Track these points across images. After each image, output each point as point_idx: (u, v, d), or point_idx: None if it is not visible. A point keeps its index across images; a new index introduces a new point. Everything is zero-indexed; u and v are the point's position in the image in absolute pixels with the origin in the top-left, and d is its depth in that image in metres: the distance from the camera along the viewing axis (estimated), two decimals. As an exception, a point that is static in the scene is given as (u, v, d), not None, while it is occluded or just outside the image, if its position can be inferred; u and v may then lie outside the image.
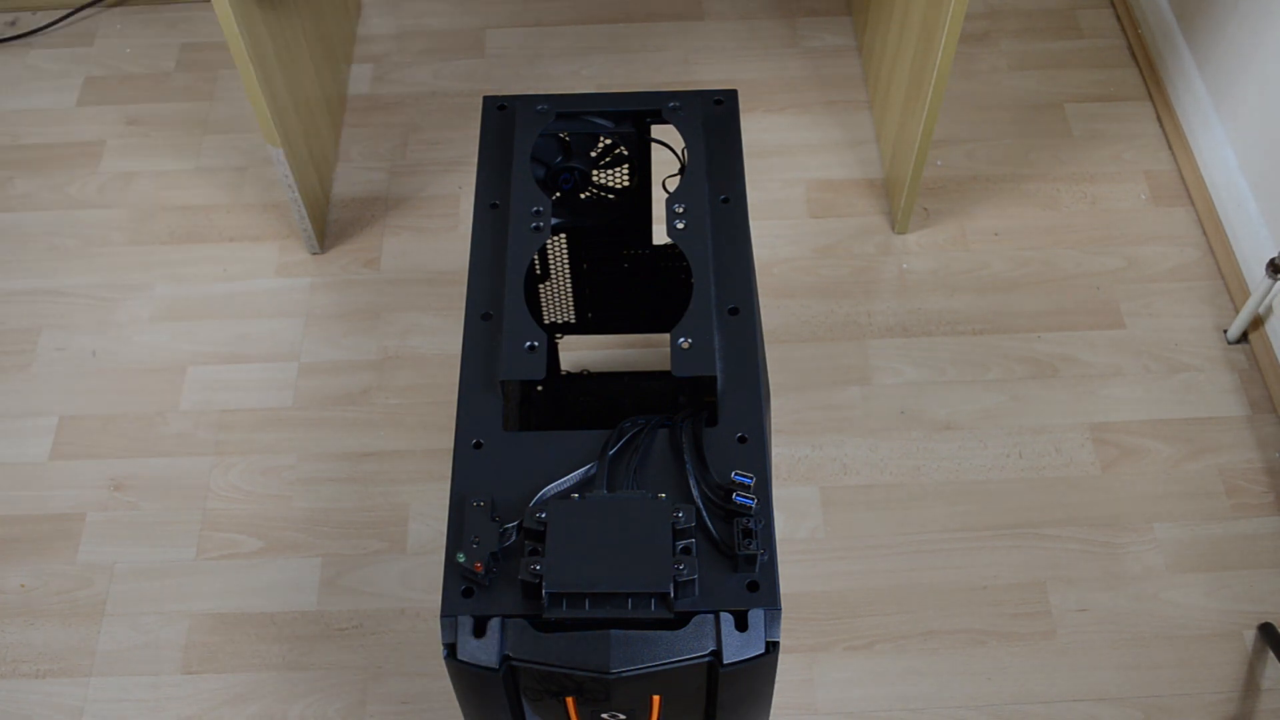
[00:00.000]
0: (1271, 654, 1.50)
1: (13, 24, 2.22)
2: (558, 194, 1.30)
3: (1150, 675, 1.50)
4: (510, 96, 1.27)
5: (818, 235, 1.90)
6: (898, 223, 1.88)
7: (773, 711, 1.38)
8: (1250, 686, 1.49)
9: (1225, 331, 1.78)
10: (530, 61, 2.16)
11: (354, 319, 1.83)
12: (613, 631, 0.93)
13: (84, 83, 2.14)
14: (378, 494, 1.66)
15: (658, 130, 1.27)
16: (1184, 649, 1.52)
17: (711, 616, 0.94)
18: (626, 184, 1.33)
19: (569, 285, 1.44)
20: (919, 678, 1.50)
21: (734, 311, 1.12)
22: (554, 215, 1.33)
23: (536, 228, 1.15)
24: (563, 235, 1.37)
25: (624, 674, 0.92)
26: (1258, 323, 1.75)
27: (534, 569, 0.93)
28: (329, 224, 1.93)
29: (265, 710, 1.49)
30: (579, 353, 1.77)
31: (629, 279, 1.43)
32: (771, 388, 1.73)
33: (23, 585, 1.59)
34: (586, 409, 1.53)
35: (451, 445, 1.65)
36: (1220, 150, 1.88)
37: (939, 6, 1.59)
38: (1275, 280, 1.65)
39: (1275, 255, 1.66)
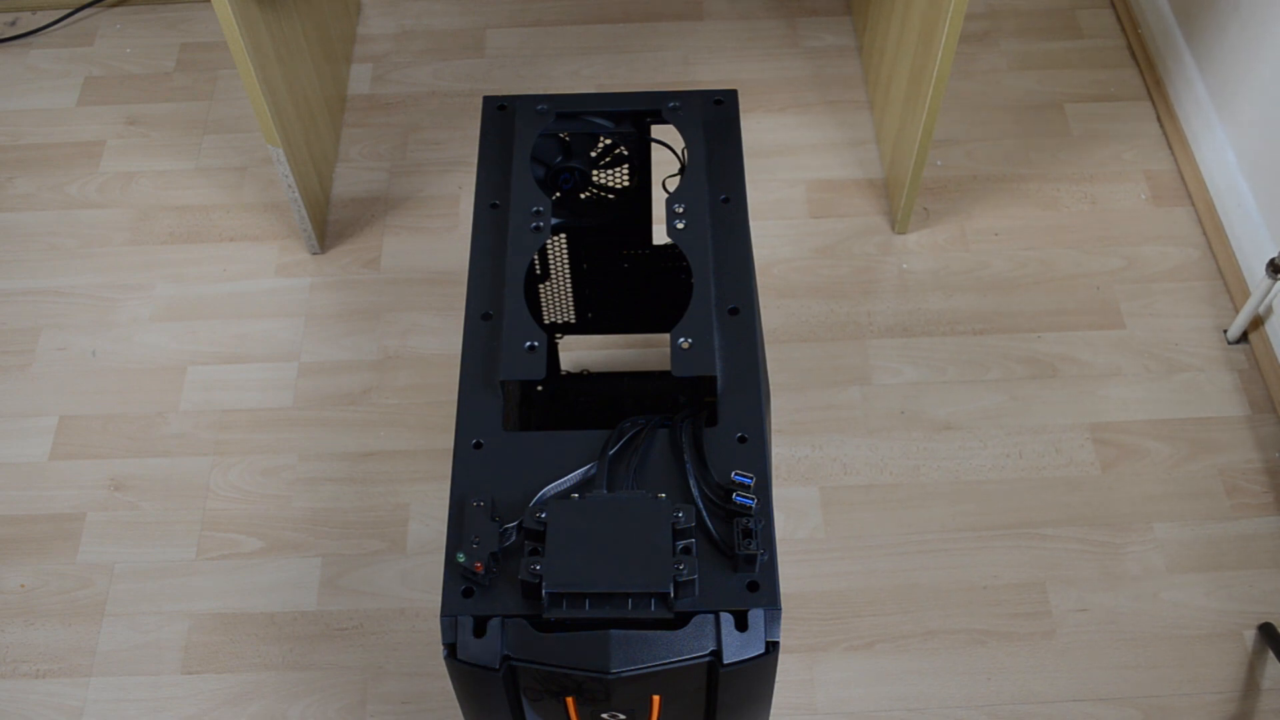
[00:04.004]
0: (1271, 654, 1.50)
1: (13, 24, 2.22)
2: (558, 194, 1.31)
3: (1150, 675, 1.50)
4: (510, 96, 1.27)
5: (818, 235, 1.90)
6: (898, 223, 1.88)
7: (773, 711, 1.38)
8: (1250, 686, 1.49)
9: (1225, 331, 1.78)
10: (530, 61, 2.16)
11: (354, 319, 1.83)
12: (613, 631, 0.93)
13: (84, 83, 2.14)
14: (378, 494, 1.66)
15: (658, 130, 1.27)
16: (1184, 649, 1.52)
17: (711, 616, 0.94)
18: (626, 184, 1.33)
19: (569, 285, 1.44)
20: (919, 678, 1.50)
21: (734, 311, 1.12)
22: (554, 215, 1.33)
23: (536, 228, 1.15)
24: (563, 235, 1.37)
25: (624, 674, 0.92)
26: (1258, 323, 1.75)
27: (534, 569, 0.93)
28: (329, 224, 1.93)
29: (265, 710, 1.49)
30: (579, 353, 1.77)
31: (629, 279, 1.43)
32: (771, 388, 1.73)
33: (23, 585, 1.59)
34: (586, 409, 1.53)
35: (451, 445, 1.65)
36: (1220, 150, 1.88)
37: (939, 6, 1.59)
38: (1275, 280, 1.65)
39: (1275, 255, 1.66)
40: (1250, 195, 1.81)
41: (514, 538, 0.97)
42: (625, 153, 1.28)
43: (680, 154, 1.23)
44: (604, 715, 1.03)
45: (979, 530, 1.61)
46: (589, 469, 1.01)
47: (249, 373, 1.77)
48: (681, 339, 1.07)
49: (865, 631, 1.53)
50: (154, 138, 2.06)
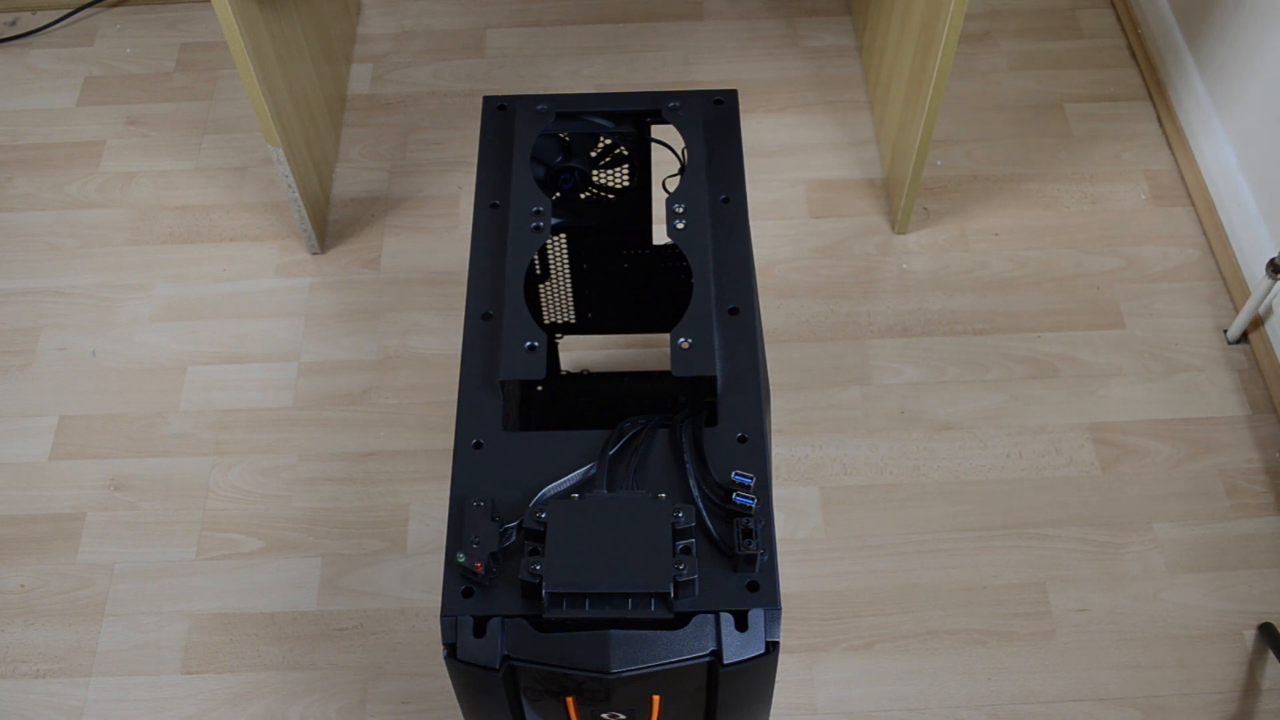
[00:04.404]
0: (1271, 654, 1.50)
1: (13, 24, 2.22)
2: (558, 194, 1.31)
3: (1150, 675, 1.50)
4: (510, 96, 1.27)
5: (818, 235, 1.90)
6: (898, 223, 1.88)
7: (773, 711, 1.38)
8: (1250, 686, 1.49)
9: (1225, 331, 1.78)
10: (530, 61, 2.16)
11: (354, 319, 1.83)
12: (613, 631, 0.93)
13: (84, 83, 2.14)
14: (378, 494, 1.66)
15: (658, 130, 1.27)
16: (1184, 649, 1.52)
17: (711, 616, 0.94)
18: (626, 184, 1.33)
19: (569, 285, 1.44)
20: (919, 678, 1.50)
21: (734, 311, 1.12)
22: (554, 215, 1.33)
23: (536, 228, 1.15)
24: (563, 235, 1.37)
25: (624, 674, 0.92)
26: (1258, 323, 1.75)
27: (534, 569, 0.93)
28: (329, 224, 1.93)
29: (265, 710, 1.49)
30: (579, 353, 1.77)
31: (629, 279, 1.43)
32: (771, 388, 1.73)
33: (23, 585, 1.59)
34: (586, 409, 1.53)
35: (451, 445, 1.65)
36: (1220, 150, 1.88)
37: (939, 6, 1.59)
38: (1275, 280, 1.65)
39: (1275, 255, 1.66)
40: (1250, 195, 1.81)
41: (514, 538, 0.97)
42: (625, 153, 1.28)
43: (680, 154, 1.23)
44: (604, 715, 1.03)
45: (979, 530, 1.61)
46: (589, 469, 1.01)
47: (249, 373, 1.77)
48: (681, 339, 1.07)
49: (865, 631, 1.53)
50: (154, 138, 2.06)
